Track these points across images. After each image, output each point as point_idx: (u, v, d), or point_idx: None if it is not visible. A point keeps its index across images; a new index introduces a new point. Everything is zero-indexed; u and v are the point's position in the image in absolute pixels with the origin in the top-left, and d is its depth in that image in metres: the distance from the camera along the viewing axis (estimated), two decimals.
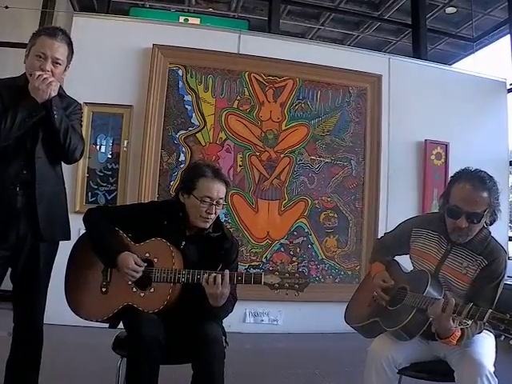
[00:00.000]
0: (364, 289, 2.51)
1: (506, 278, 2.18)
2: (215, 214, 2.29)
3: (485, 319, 1.83)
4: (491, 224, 2.24)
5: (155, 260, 2.23)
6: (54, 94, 2.23)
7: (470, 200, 2.12)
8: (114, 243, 2.26)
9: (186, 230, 2.33)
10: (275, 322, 4.74)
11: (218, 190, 2.28)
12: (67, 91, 2.50)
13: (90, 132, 4.56)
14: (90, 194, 4.53)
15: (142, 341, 2.01)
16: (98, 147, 4.61)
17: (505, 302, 2.09)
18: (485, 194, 2.12)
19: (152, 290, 2.19)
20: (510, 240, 5.42)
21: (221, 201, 2.29)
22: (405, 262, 2.49)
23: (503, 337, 1.78)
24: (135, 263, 2.20)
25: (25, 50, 2.31)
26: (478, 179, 2.14)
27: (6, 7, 5.49)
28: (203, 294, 2.15)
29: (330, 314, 4.26)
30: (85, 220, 2.34)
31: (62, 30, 2.33)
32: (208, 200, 2.25)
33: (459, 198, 2.15)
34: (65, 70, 2.36)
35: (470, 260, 2.19)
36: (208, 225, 2.31)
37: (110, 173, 4.59)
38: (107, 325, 2.30)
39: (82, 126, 2.56)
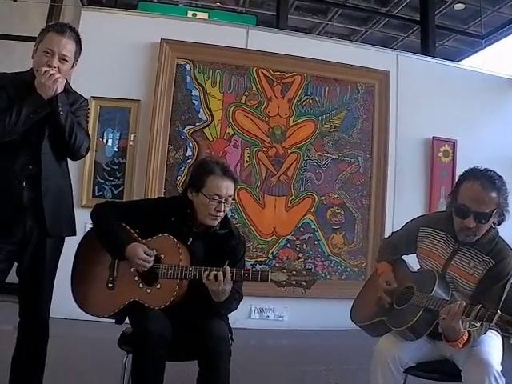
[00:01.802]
0: (370, 287, 2.50)
1: None
2: (224, 211, 2.28)
3: (493, 322, 1.81)
4: (499, 224, 2.21)
5: (162, 256, 2.23)
6: (60, 90, 2.22)
7: (478, 199, 2.09)
8: (122, 236, 2.26)
9: (193, 227, 2.33)
10: (281, 319, 4.73)
11: (227, 187, 2.27)
12: (75, 85, 2.49)
13: (97, 126, 4.56)
14: (96, 188, 4.53)
15: (148, 337, 2.01)
16: (105, 141, 4.61)
17: None
18: (494, 194, 2.09)
19: (159, 286, 2.19)
20: None
21: (230, 198, 2.29)
22: (411, 261, 2.48)
23: None
24: (145, 253, 2.20)
25: (32, 43, 2.31)
26: (487, 178, 2.12)
27: (15, 0, 5.50)
28: (208, 291, 2.15)
29: (335, 311, 4.25)
30: (92, 215, 2.33)
31: (70, 27, 2.32)
32: (217, 198, 2.23)
33: (467, 197, 2.12)
34: (72, 66, 2.35)
35: (477, 260, 2.17)
36: (216, 222, 2.30)
37: (117, 167, 4.59)
38: (113, 319, 2.30)
39: (88, 122, 2.56)
